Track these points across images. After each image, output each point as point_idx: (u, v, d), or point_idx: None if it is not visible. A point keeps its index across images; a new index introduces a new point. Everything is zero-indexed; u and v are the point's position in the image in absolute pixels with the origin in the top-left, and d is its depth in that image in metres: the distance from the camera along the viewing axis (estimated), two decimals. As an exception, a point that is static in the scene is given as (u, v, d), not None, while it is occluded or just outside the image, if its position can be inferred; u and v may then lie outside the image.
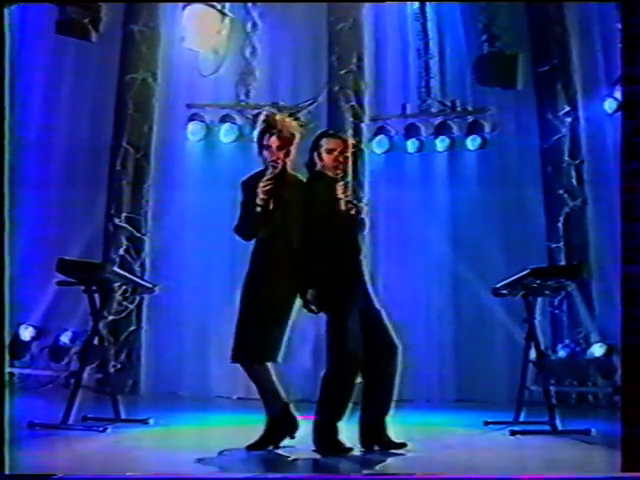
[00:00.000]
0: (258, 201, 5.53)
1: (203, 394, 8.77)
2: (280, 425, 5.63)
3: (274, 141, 5.59)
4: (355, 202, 5.79)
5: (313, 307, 5.71)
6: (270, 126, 5.64)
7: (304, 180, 5.81)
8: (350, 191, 5.76)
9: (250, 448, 5.54)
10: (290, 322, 5.68)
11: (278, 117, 5.77)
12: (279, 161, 5.59)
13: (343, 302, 5.66)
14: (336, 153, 5.72)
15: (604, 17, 8.41)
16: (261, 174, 5.67)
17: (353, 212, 5.71)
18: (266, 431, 5.61)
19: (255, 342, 5.55)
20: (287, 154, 5.64)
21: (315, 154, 5.76)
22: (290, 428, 5.64)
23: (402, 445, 5.63)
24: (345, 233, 5.71)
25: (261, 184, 5.54)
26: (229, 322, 8.85)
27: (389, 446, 5.64)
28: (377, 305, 5.84)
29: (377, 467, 5.32)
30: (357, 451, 5.61)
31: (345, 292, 5.68)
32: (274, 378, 5.65)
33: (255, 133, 5.94)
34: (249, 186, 5.68)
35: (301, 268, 5.60)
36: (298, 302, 5.71)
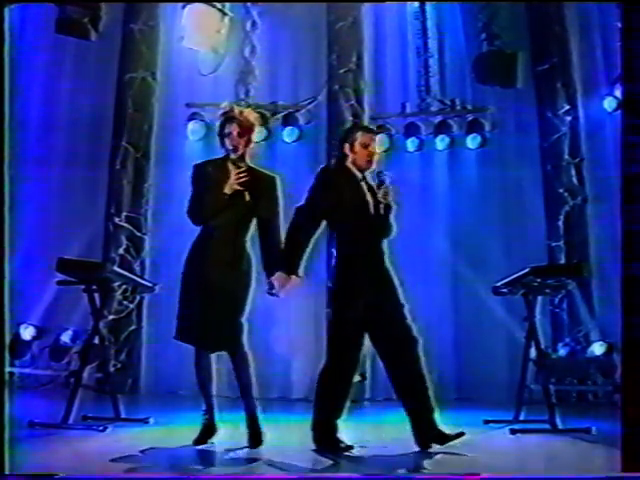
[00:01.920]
0: (227, 190, 5.74)
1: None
2: (203, 428, 5.94)
3: (234, 128, 5.83)
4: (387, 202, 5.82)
5: (274, 292, 5.79)
6: (230, 116, 5.90)
7: (262, 172, 5.99)
8: (382, 192, 5.78)
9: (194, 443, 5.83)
10: (239, 313, 5.80)
11: (237, 108, 6.02)
12: (239, 147, 5.85)
13: (345, 299, 5.68)
14: (370, 148, 5.81)
15: (604, 15, 8.42)
16: (217, 161, 5.93)
17: (382, 212, 5.79)
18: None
19: (195, 327, 5.80)
20: (247, 143, 5.89)
21: (347, 146, 5.81)
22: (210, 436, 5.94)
23: (460, 435, 5.60)
24: (370, 234, 5.77)
25: (235, 173, 5.76)
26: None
27: (445, 440, 5.59)
28: (401, 300, 5.82)
29: (376, 467, 5.32)
30: (356, 449, 5.61)
31: (353, 291, 5.69)
32: (212, 377, 5.95)
33: (217, 126, 6.13)
34: (205, 171, 5.90)
35: (243, 260, 5.80)
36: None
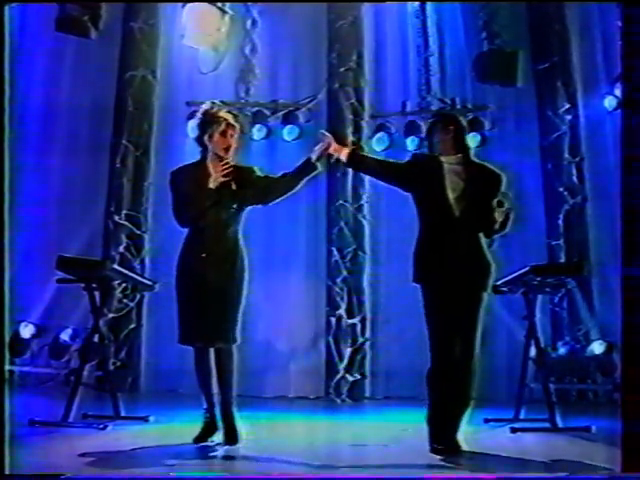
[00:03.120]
0: (211, 184, 5.82)
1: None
2: (205, 426, 5.95)
3: (232, 132, 5.97)
4: None
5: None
6: (222, 119, 5.98)
7: (243, 165, 6.04)
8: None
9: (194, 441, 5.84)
10: (234, 307, 5.84)
11: (216, 109, 6.18)
12: (231, 147, 5.93)
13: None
14: None
15: (604, 14, 8.41)
16: (195, 163, 6.03)
17: None
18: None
19: (194, 326, 5.84)
20: (237, 140, 5.99)
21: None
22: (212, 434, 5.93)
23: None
24: None
25: (220, 167, 5.84)
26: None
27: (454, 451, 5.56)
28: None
29: (374, 466, 5.32)
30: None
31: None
32: (212, 375, 5.91)
33: (193, 126, 6.28)
34: (184, 175, 5.98)
35: (236, 255, 5.86)
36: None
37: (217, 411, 5.92)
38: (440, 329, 5.62)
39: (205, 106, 6.18)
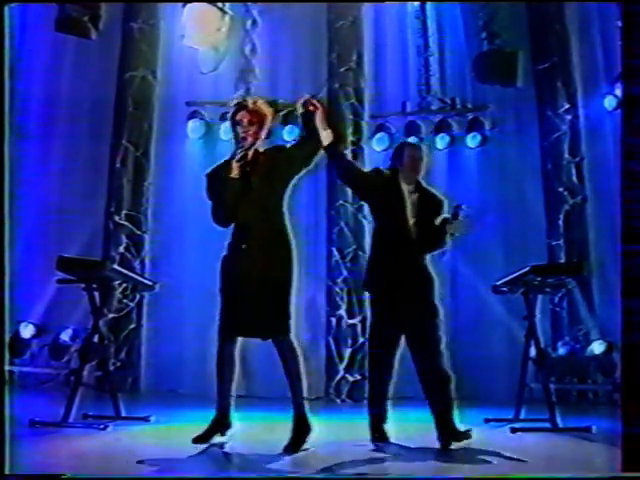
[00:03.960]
0: (232, 175, 5.59)
1: (203, 392, 8.75)
2: (212, 424, 5.76)
3: (244, 115, 5.68)
4: None
5: None
6: (241, 105, 5.76)
7: (278, 150, 5.87)
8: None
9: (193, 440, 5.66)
10: (284, 298, 5.68)
11: (250, 98, 5.91)
12: (249, 136, 5.65)
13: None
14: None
15: (604, 14, 8.42)
16: (224, 162, 5.75)
17: None
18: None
19: (242, 319, 5.65)
20: (258, 131, 5.70)
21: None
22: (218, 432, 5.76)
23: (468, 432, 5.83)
24: None
25: (235, 159, 5.62)
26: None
27: (460, 436, 5.82)
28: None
29: (375, 466, 5.32)
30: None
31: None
32: (234, 375, 5.78)
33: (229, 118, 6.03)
34: (217, 174, 5.74)
35: (280, 243, 5.68)
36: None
37: (231, 410, 5.77)
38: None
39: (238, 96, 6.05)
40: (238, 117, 5.71)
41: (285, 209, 5.70)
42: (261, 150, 5.74)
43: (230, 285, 5.67)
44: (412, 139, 9.09)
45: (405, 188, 6.09)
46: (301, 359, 5.72)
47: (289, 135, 9.15)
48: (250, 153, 5.67)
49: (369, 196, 6.28)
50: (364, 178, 6.23)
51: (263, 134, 5.75)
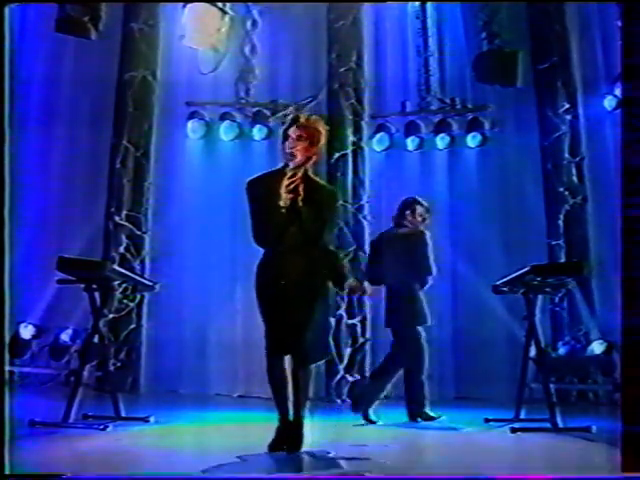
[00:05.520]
0: (282, 202, 5.25)
1: (203, 392, 8.79)
2: (278, 433, 5.53)
3: (294, 130, 5.37)
4: None
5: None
6: (294, 120, 5.47)
7: (323, 183, 5.65)
8: None
9: (269, 449, 5.46)
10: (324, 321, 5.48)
11: (304, 115, 5.60)
12: (297, 152, 5.33)
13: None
14: None
15: (604, 14, 8.42)
16: (272, 173, 5.43)
17: None
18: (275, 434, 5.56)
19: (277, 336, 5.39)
20: (308, 148, 5.36)
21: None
22: (286, 441, 5.48)
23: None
24: None
25: (285, 182, 5.28)
26: (229, 320, 8.94)
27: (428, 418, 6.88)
28: None
29: (374, 466, 5.31)
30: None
31: None
32: (287, 385, 5.50)
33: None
34: (262, 188, 5.34)
35: (314, 281, 5.39)
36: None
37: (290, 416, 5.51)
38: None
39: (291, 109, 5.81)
40: (289, 132, 5.38)
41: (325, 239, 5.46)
42: (312, 176, 5.44)
43: (270, 313, 5.38)
44: (411, 139, 9.12)
45: None
46: (312, 376, 5.53)
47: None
48: (299, 175, 5.33)
49: None
50: None
51: (314, 153, 5.40)
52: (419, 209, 7.32)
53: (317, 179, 5.51)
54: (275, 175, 5.36)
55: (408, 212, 7.31)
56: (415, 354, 7.05)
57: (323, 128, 5.45)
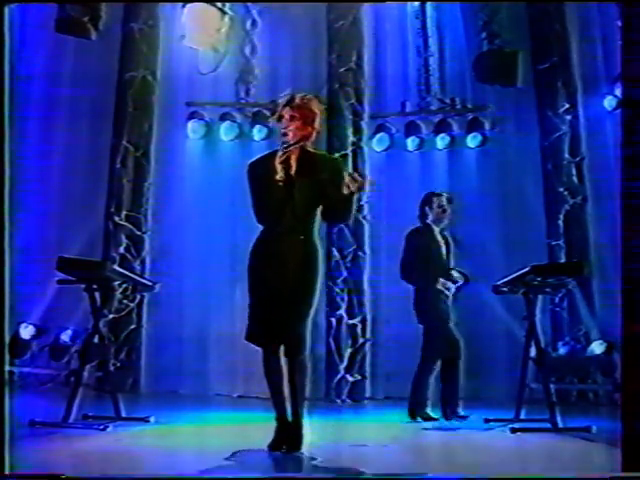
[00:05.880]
0: (278, 177, 5.33)
1: (203, 392, 8.79)
2: (277, 433, 5.55)
3: (287, 111, 5.45)
4: None
5: None
6: (288, 100, 5.53)
7: (322, 153, 5.71)
8: None
9: (268, 449, 5.48)
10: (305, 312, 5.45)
11: (299, 95, 5.62)
12: (289, 132, 5.41)
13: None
14: None
15: (604, 14, 8.42)
16: (269, 154, 5.53)
17: None
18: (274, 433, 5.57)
19: (263, 328, 5.43)
20: (301, 127, 5.43)
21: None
22: (285, 441, 5.50)
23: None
24: None
25: (278, 158, 5.37)
26: (229, 320, 8.93)
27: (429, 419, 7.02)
28: None
29: (374, 466, 5.31)
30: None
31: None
32: (283, 380, 5.51)
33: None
34: (260, 167, 5.48)
35: (311, 257, 5.45)
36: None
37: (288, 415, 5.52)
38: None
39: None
40: (282, 112, 5.47)
41: (317, 221, 5.49)
42: (310, 149, 5.50)
43: (258, 293, 5.45)
44: (412, 139, 9.12)
45: None
46: (309, 374, 5.54)
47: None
48: (295, 152, 5.42)
49: None
50: None
51: (309, 132, 5.46)
52: (436, 201, 7.37)
53: (316, 151, 5.56)
54: (273, 155, 5.47)
55: (427, 208, 7.36)
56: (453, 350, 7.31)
57: (317, 108, 5.53)
